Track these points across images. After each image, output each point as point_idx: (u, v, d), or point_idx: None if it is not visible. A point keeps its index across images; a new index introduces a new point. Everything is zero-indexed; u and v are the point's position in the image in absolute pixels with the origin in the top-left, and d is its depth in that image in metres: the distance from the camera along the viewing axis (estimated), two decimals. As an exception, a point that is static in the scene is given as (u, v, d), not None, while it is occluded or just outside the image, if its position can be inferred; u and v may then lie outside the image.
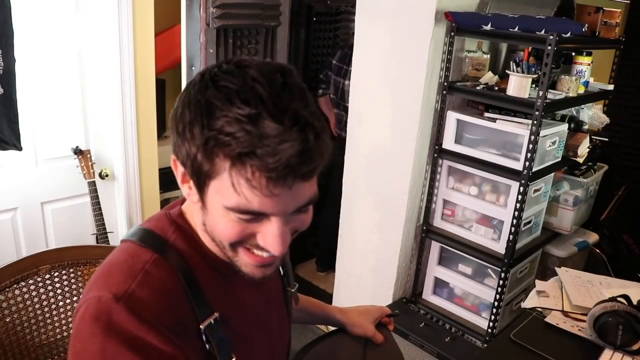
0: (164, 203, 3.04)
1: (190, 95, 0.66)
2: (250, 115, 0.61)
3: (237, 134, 0.61)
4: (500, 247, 1.83)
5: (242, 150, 0.61)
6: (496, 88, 1.80)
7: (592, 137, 2.07)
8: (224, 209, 0.67)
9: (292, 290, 0.99)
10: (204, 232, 0.77)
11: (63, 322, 1.64)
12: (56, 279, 1.59)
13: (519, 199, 1.72)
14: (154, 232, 0.77)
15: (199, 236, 0.79)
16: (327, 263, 3.23)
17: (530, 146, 1.66)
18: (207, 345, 0.75)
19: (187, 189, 0.73)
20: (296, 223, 0.72)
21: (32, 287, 1.54)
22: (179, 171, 0.72)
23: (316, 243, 3.35)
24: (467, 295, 2.03)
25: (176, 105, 0.69)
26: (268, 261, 0.73)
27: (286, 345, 1.00)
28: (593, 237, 2.22)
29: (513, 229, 1.76)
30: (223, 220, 0.68)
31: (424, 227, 2.04)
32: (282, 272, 0.98)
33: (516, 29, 1.70)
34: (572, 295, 1.37)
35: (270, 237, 0.69)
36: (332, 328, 1.19)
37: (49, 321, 1.60)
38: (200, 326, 0.74)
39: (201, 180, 0.67)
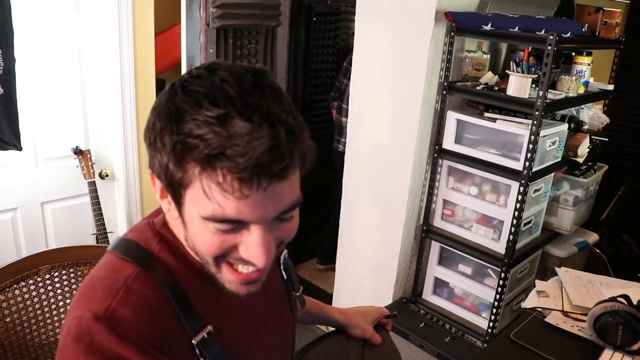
0: (164, 203, 3.05)
1: (160, 104, 0.64)
2: (219, 117, 0.58)
3: (205, 136, 0.58)
4: (500, 247, 1.83)
5: (210, 152, 0.58)
6: (496, 88, 1.80)
7: (592, 137, 2.07)
8: (201, 220, 0.63)
9: (297, 294, 0.98)
10: (186, 246, 0.74)
11: (63, 322, 1.64)
12: (56, 279, 1.59)
13: (519, 199, 1.72)
14: (137, 244, 0.74)
15: (185, 246, 0.75)
16: (329, 258, 3.23)
17: (530, 146, 1.66)
18: None
19: (167, 204, 0.69)
20: (280, 232, 0.68)
21: (32, 287, 1.54)
22: (157, 186, 0.69)
23: (318, 243, 3.35)
24: (467, 295, 2.03)
25: (149, 117, 0.66)
26: (253, 278, 0.69)
27: (290, 349, 0.98)
28: (593, 237, 2.22)
29: (513, 229, 1.76)
30: (202, 232, 0.65)
31: (424, 227, 2.04)
32: (285, 276, 0.96)
33: (516, 29, 1.70)
34: (572, 295, 1.37)
35: (253, 248, 0.64)
36: (331, 328, 1.19)
37: (49, 321, 1.60)
38: (193, 341, 0.71)
39: (176, 191, 0.64)
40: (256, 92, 0.61)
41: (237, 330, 0.80)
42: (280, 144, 0.59)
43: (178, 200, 0.65)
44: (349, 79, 2.96)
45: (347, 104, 2.98)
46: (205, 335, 0.72)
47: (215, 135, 0.58)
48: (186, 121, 0.59)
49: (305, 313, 1.11)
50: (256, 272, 0.69)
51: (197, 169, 0.60)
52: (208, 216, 0.62)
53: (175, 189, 0.64)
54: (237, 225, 0.63)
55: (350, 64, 2.96)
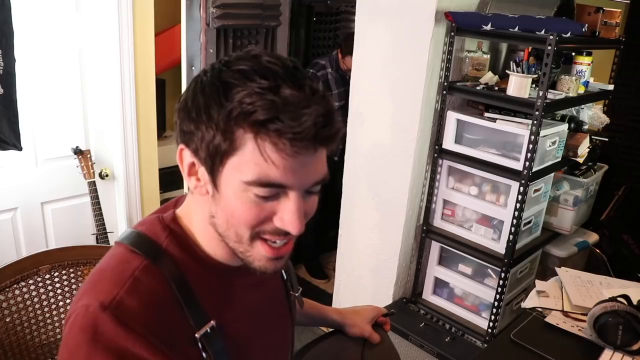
0: (164, 203, 3.04)
1: (202, 82, 0.67)
2: (270, 87, 0.63)
3: (257, 102, 0.62)
4: (500, 247, 1.83)
5: (266, 116, 0.62)
6: (496, 88, 1.80)
7: (592, 137, 2.07)
8: (242, 188, 0.66)
9: (296, 295, 0.98)
10: (205, 230, 0.75)
11: (63, 322, 1.64)
12: (56, 279, 1.59)
13: (519, 199, 1.72)
14: (146, 237, 0.75)
15: (195, 240, 0.77)
16: (319, 273, 3.27)
17: (530, 146, 1.66)
18: (203, 354, 0.73)
19: (195, 182, 0.71)
20: (307, 206, 0.71)
21: (32, 287, 1.54)
22: (185, 163, 0.71)
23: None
24: (467, 295, 2.03)
25: (184, 97, 0.69)
26: (282, 253, 0.73)
27: (289, 349, 0.99)
28: (593, 237, 2.22)
29: (513, 229, 1.76)
30: (239, 202, 0.67)
31: (424, 227, 2.04)
32: (284, 277, 0.97)
33: (516, 29, 1.70)
34: (572, 295, 1.37)
35: (289, 214, 0.68)
36: (331, 329, 1.19)
37: (49, 321, 1.60)
38: (196, 335, 0.72)
39: (216, 162, 0.66)
40: (299, 72, 0.67)
41: (239, 326, 0.81)
42: (332, 111, 0.66)
43: (215, 172, 0.67)
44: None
45: None
46: (209, 330, 0.73)
47: (269, 102, 0.62)
48: (236, 92, 0.63)
49: (303, 315, 1.11)
50: (285, 246, 0.73)
51: (249, 133, 0.63)
52: (253, 180, 0.65)
53: (216, 160, 0.66)
54: (277, 191, 0.67)
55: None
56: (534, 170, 1.71)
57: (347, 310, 1.17)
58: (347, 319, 1.14)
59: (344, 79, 2.99)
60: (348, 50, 2.90)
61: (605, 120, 2.05)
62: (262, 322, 0.87)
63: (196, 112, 0.66)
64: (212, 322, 0.74)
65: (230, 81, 0.64)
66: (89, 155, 2.33)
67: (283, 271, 0.97)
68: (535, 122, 1.63)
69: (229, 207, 0.69)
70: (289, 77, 0.65)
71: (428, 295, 2.13)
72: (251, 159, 0.64)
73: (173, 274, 0.73)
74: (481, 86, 1.82)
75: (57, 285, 1.60)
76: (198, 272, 0.76)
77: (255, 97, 0.62)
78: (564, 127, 1.88)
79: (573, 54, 1.93)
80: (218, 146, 0.65)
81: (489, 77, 1.89)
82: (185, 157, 0.71)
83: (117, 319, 0.66)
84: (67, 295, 1.63)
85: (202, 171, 0.70)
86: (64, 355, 0.69)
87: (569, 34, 1.73)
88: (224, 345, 0.75)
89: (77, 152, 2.32)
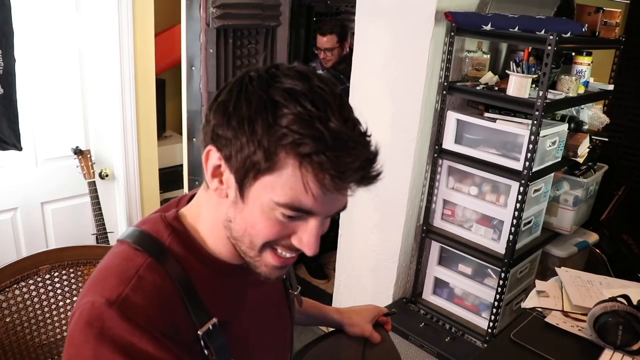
0: (164, 203, 3.04)
1: (248, 90, 0.66)
2: (319, 117, 0.63)
3: (307, 132, 0.62)
4: (500, 247, 1.83)
5: (313, 150, 0.62)
6: (496, 88, 1.80)
7: (592, 137, 2.07)
8: (270, 206, 0.67)
9: (295, 293, 0.99)
10: (213, 229, 0.76)
11: (63, 322, 1.64)
12: (56, 279, 1.59)
13: (519, 199, 1.72)
14: (149, 235, 0.76)
15: (199, 239, 0.78)
16: (319, 273, 3.28)
17: (530, 146, 1.66)
18: (205, 351, 0.74)
19: (217, 183, 0.71)
20: (323, 227, 0.73)
21: (32, 287, 1.54)
22: (211, 164, 0.70)
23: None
24: (467, 295, 2.03)
25: (223, 99, 0.68)
26: (289, 262, 0.75)
27: (288, 347, 0.99)
28: (593, 237, 2.22)
29: (513, 229, 1.76)
30: (264, 217, 0.68)
31: (424, 227, 2.04)
32: (284, 276, 0.97)
33: (516, 29, 1.70)
34: (572, 295, 1.37)
35: (308, 237, 0.70)
36: (332, 329, 1.19)
37: (49, 321, 1.60)
38: (198, 332, 0.73)
39: (249, 175, 0.66)
40: (345, 103, 0.67)
41: (241, 324, 0.82)
42: (376, 155, 0.66)
43: (245, 183, 0.68)
44: None
45: None
46: (210, 327, 0.74)
47: (318, 134, 0.62)
48: (284, 114, 0.63)
49: (304, 314, 1.12)
50: (292, 257, 0.75)
51: (292, 159, 0.63)
52: (285, 203, 0.66)
53: (250, 173, 0.66)
54: (302, 215, 0.68)
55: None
56: (534, 170, 1.71)
57: (347, 310, 1.17)
58: (348, 318, 1.14)
59: (337, 78, 2.98)
60: (320, 31, 2.89)
61: (605, 120, 2.05)
62: (262, 320, 0.88)
63: (238, 122, 0.65)
64: (214, 319, 0.75)
65: (279, 100, 0.64)
66: (89, 155, 2.33)
67: None
68: (535, 122, 1.63)
69: (252, 219, 0.70)
70: (337, 108, 0.65)
71: (428, 295, 2.13)
72: (287, 182, 0.65)
73: (176, 271, 0.73)
74: (481, 86, 1.82)
75: (57, 285, 1.60)
76: (201, 270, 0.77)
77: (305, 126, 0.62)
78: (564, 127, 1.88)
79: (573, 54, 1.93)
80: (257, 162, 0.65)
81: (489, 77, 1.89)
82: (212, 158, 0.70)
83: (124, 315, 0.67)
84: (67, 295, 1.63)
85: (228, 176, 0.70)
86: (69, 351, 0.69)
87: (569, 34, 1.73)
88: (225, 342, 0.76)
89: (77, 152, 2.32)
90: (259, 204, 0.68)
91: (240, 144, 0.65)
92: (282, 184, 0.65)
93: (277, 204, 0.66)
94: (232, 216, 0.72)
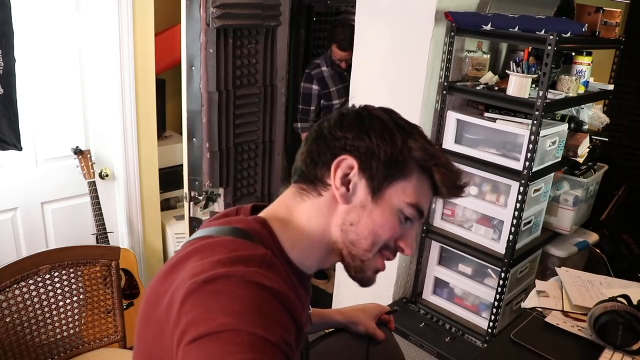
0: (164, 203, 3.04)
1: (376, 114, 0.83)
2: (429, 141, 0.82)
3: (431, 151, 0.79)
4: (500, 247, 1.83)
5: (435, 164, 0.79)
6: (496, 88, 1.80)
7: (592, 137, 2.07)
8: (399, 207, 0.78)
9: (309, 312, 1.00)
10: (305, 235, 0.79)
11: (63, 322, 1.64)
12: (56, 279, 1.59)
13: (519, 199, 1.72)
14: (248, 232, 0.75)
15: (283, 243, 0.79)
16: (319, 272, 3.26)
17: (530, 146, 1.66)
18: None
19: (344, 190, 0.78)
20: None
21: (32, 287, 1.54)
22: (342, 172, 0.77)
23: None
24: (467, 295, 2.03)
25: (353, 119, 0.81)
26: (383, 269, 0.84)
27: None
28: (593, 237, 2.22)
29: (513, 229, 1.76)
30: (392, 217, 0.78)
31: (424, 227, 2.04)
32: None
33: (516, 29, 1.70)
34: (572, 295, 1.37)
35: (411, 238, 0.83)
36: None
37: (49, 321, 1.60)
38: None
39: (386, 180, 0.77)
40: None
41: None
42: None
43: (380, 188, 0.78)
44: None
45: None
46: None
47: (437, 155, 0.80)
48: (413, 137, 0.80)
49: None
50: (385, 263, 0.84)
51: (418, 169, 0.79)
52: (412, 203, 0.79)
53: (387, 178, 0.78)
54: (415, 218, 0.80)
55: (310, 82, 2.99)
56: (534, 170, 1.71)
57: (350, 309, 1.17)
58: (351, 317, 1.15)
59: (341, 75, 2.98)
60: (332, 39, 2.91)
61: (605, 120, 2.05)
62: (305, 332, 0.90)
63: (378, 136, 0.78)
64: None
65: (407, 129, 0.80)
66: (89, 155, 2.33)
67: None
68: (535, 122, 1.63)
69: (381, 219, 0.78)
70: (426, 135, 0.84)
71: (428, 295, 2.13)
72: (414, 187, 0.79)
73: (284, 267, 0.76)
74: (481, 86, 1.82)
75: (57, 285, 1.60)
76: (289, 272, 0.78)
77: (427, 145, 0.79)
78: (564, 127, 1.88)
79: (573, 54, 1.93)
80: (395, 170, 0.77)
81: (489, 77, 1.89)
82: (343, 167, 0.77)
83: (272, 275, 0.67)
84: (67, 295, 1.63)
85: (357, 183, 0.78)
86: (214, 314, 0.60)
87: (569, 34, 1.73)
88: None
89: (77, 152, 2.32)
90: (390, 206, 0.78)
91: (384, 154, 0.77)
92: (412, 187, 0.79)
93: (408, 204, 0.78)
94: (354, 219, 0.79)
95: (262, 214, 0.83)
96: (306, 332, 0.91)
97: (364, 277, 0.82)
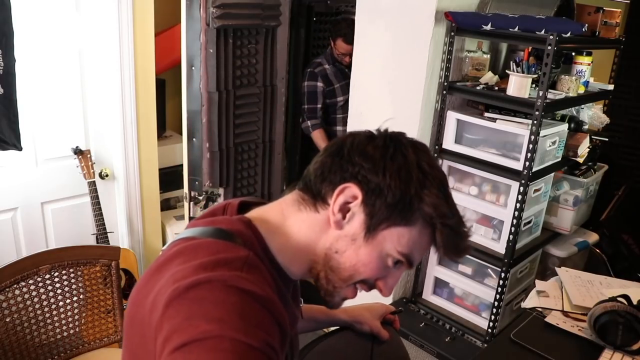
0: (164, 203, 3.04)
1: (402, 150, 0.77)
2: (448, 197, 0.77)
3: (442, 209, 0.75)
4: (500, 247, 1.83)
5: (446, 224, 0.75)
6: (496, 88, 1.80)
7: (592, 137, 2.07)
8: (389, 252, 0.76)
9: (301, 306, 1.00)
10: (295, 247, 0.79)
11: (63, 322, 1.64)
12: (56, 279, 1.59)
13: (519, 199, 1.72)
14: (231, 232, 0.75)
15: (271, 247, 0.78)
16: None
17: (530, 146, 1.66)
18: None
19: (340, 217, 0.76)
20: None
21: (32, 287, 1.54)
22: (343, 199, 0.75)
23: None
24: (467, 295, 2.03)
25: (377, 150, 0.76)
26: (353, 297, 0.82)
27: None
28: (593, 237, 2.22)
29: (513, 229, 1.76)
30: (378, 260, 0.76)
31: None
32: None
33: (516, 29, 1.70)
34: (572, 295, 1.37)
35: (391, 283, 0.80)
36: (331, 328, 1.19)
37: (49, 321, 1.60)
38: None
39: (385, 222, 0.75)
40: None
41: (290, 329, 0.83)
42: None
43: (376, 227, 0.75)
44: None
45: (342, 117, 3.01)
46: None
47: (450, 214, 0.76)
48: (428, 184, 0.75)
49: (312, 320, 1.12)
50: (356, 294, 0.82)
51: (422, 222, 0.76)
52: (404, 253, 0.76)
53: (386, 220, 0.75)
54: (403, 265, 0.78)
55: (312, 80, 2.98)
56: (534, 170, 1.71)
57: (355, 308, 1.17)
58: (356, 316, 1.15)
59: (343, 72, 2.98)
60: (337, 33, 2.90)
61: (605, 120, 2.05)
62: (295, 332, 0.90)
63: (394, 176, 0.74)
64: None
65: (427, 177, 0.75)
66: (89, 155, 2.33)
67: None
68: (535, 122, 1.63)
69: (366, 258, 0.76)
70: (449, 189, 0.79)
71: (428, 295, 2.13)
72: (412, 238, 0.76)
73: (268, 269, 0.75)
74: (481, 86, 1.82)
75: (57, 285, 1.60)
76: (275, 275, 0.77)
77: (442, 202, 0.75)
78: (564, 127, 1.88)
79: (573, 54, 1.93)
80: (399, 217, 0.74)
81: (489, 77, 1.89)
82: (346, 194, 0.75)
83: (253, 278, 0.67)
84: (67, 295, 1.63)
85: (356, 215, 0.75)
86: (195, 321, 0.61)
87: (569, 34, 1.73)
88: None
89: (77, 152, 2.32)
90: (380, 248, 0.76)
91: (392, 196, 0.74)
92: (409, 237, 0.76)
93: (398, 252, 0.76)
94: (341, 249, 0.77)
95: (253, 213, 0.82)
96: (296, 331, 0.91)
97: (331, 301, 0.81)
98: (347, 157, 0.77)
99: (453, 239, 0.77)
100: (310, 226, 0.79)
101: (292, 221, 0.80)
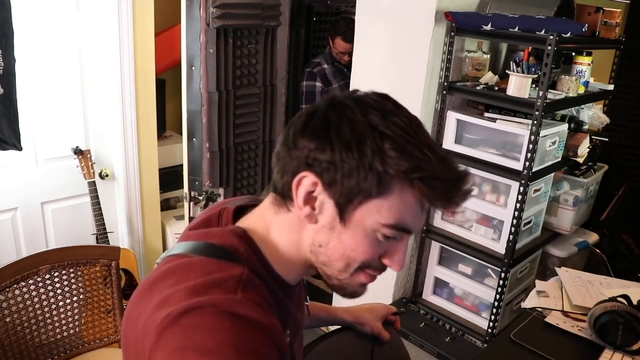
0: (164, 203, 3.04)
1: (348, 115, 0.67)
2: (421, 141, 0.67)
3: (416, 157, 0.65)
4: (500, 247, 1.83)
5: (426, 175, 0.66)
6: (496, 88, 1.80)
7: (592, 137, 2.07)
8: (373, 228, 0.68)
9: (307, 304, 1.00)
10: (284, 250, 0.75)
11: (63, 322, 1.64)
12: (56, 279, 1.59)
13: (519, 199, 1.72)
14: (224, 248, 0.72)
15: (266, 256, 0.75)
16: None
17: (530, 146, 1.66)
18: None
19: (309, 210, 0.70)
20: None
21: (32, 287, 1.54)
22: (304, 190, 0.69)
23: None
24: (467, 295, 2.03)
25: (319, 123, 0.68)
26: (373, 280, 0.76)
27: None
28: (593, 237, 2.22)
29: (513, 229, 1.76)
30: (366, 239, 0.69)
31: (424, 227, 2.04)
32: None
33: (516, 29, 1.70)
34: (572, 295, 1.37)
35: (399, 255, 0.73)
36: (332, 328, 1.19)
37: (49, 321, 1.60)
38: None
39: (355, 200, 0.67)
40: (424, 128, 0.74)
41: (291, 341, 0.82)
42: (467, 173, 0.71)
43: (346, 209, 0.68)
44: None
45: None
46: (288, 339, 0.76)
47: (427, 160, 0.66)
48: (388, 139, 0.65)
49: (313, 318, 1.12)
50: (375, 277, 0.76)
51: (400, 183, 0.66)
52: (391, 224, 0.68)
53: (356, 198, 0.67)
54: (399, 234, 0.70)
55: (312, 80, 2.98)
56: (534, 170, 1.71)
57: (357, 308, 1.17)
58: (358, 316, 1.15)
59: (342, 72, 2.98)
60: (336, 32, 2.90)
61: (605, 120, 2.05)
62: (297, 332, 0.88)
63: (343, 147, 0.65)
64: (287, 330, 0.76)
65: (378, 125, 0.66)
66: (89, 155, 2.33)
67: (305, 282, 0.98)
68: (535, 122, 1.63)
69: (352, 242, 0.70)
70: (424, 131, 0.70)
71: (428, 295, 2.13)
72: (394, 204, 0.67)
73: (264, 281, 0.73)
74: (481, 86, 1.82)
75: (57, 285, 1.60)
76: (272, 286, 0.75)
77: (412, 150, 0.65)
78: (564, 127, 1.88)
79: (573, 54, 1.93)
80: (367, 187, 0.66)
81: (489, 77, 1.89)
82: (305, 184, 0.68)
83: (250, 301, 0.64)
84: (67, 295, 1.63)
85: (324, 202, 0.69)
86: (186, 342, 0.60)
87: (569, 34, 1.73)
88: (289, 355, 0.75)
89: (77, 152, 2.32)
90: (362, 227, 0.68)
91: (348, 169, 0.65)
92: (389, 206, 0.67)
93: (384, 225, 0.68)
94: (323, 241, 0.71)
95: (246, 221, 0.78)
96: (301, 335, 0.90)
97: (345, 293, 0.76)
98: (293, 144, 0.69)
99: (439, 188, 0.67)
100: (289, 228, 0.74)
101: (273, 228, 0.76)
